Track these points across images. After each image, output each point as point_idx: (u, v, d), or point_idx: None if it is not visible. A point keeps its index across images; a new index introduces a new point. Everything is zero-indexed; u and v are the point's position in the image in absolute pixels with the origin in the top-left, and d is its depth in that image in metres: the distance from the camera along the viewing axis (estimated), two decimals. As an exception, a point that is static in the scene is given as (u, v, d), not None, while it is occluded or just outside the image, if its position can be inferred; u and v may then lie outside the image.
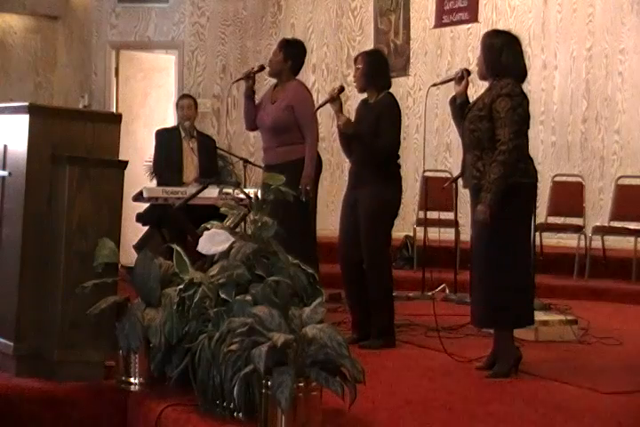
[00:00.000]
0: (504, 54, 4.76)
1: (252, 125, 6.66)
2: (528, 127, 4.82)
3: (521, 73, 4.83)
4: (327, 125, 10.50)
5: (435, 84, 5.09)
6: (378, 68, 5.66)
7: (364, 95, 5.78)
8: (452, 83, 5.02)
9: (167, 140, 7.52)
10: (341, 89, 5.69)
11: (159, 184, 7.36)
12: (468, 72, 4.95)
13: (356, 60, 5.75)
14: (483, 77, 4.87)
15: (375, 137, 5.50)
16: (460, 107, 4.88)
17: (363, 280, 5.55)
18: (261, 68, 6.58)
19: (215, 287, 3.98)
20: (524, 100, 4.72)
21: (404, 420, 3.87)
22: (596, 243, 8.31)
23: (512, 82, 4.72)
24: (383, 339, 5.48)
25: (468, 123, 4.78)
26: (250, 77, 6.52)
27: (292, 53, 6.49)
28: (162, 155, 7.53)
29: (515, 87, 4.71)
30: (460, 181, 6.45)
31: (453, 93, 4.98)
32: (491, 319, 4.85)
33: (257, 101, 6.58)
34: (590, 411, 4.07)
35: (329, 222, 9.29)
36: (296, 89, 6.48)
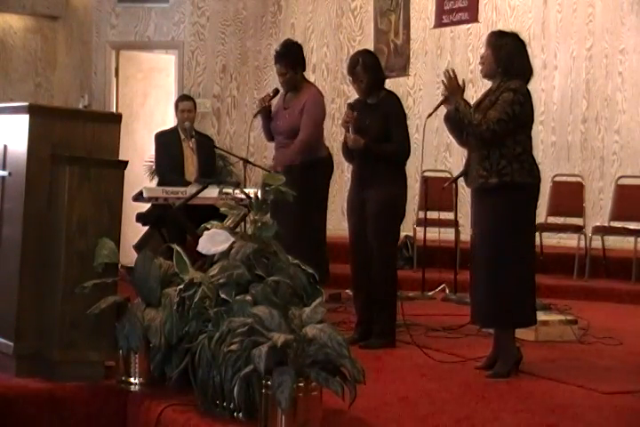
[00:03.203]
0: (517, 56, 4.83)
1: (272, 138, 6.67)
2: (530, 129, 4.86)
3: (529, 75, 4.89)
4: (327, 126, 10.46)
5: (430, 115, 5.08)
6: (377, 75, 5.64)
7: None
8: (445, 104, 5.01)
9: (167, 142, 7.52)
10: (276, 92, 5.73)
11: (162, 185, 7.35)
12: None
13: (352, 73, 5.64)
14: (489, 76, 4.89)
15: (384, 139, 5.50)
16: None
17: (370, 282, 5.56)
18: (276, 92, 6.55)
19: (215, 287, 3.98)
20: (527, 100, 4.76)
21: (404, 420, 3.87)
22: (596, 243, 8.30)
23: (522, 83, 4.79)
24: (383, 339, 5.48)
25: None
26: (268, 106, 6.50)
27: (292, 61, 6.44)
28: (163, 157, 7.53)
29: (522, 87, 4.78)
30: (460, 181, 6.45)
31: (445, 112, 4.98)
32: (493, 319, 4.85)
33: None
34: (590, 411, 4.07)
35: (329, 222, 9.28)
36: (313, 94, 6.47)
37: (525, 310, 4.84)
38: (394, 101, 5.64)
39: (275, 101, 6.63)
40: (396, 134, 5.53)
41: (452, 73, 4.83)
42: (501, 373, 4.70)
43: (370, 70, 5.59)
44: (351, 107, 5.66)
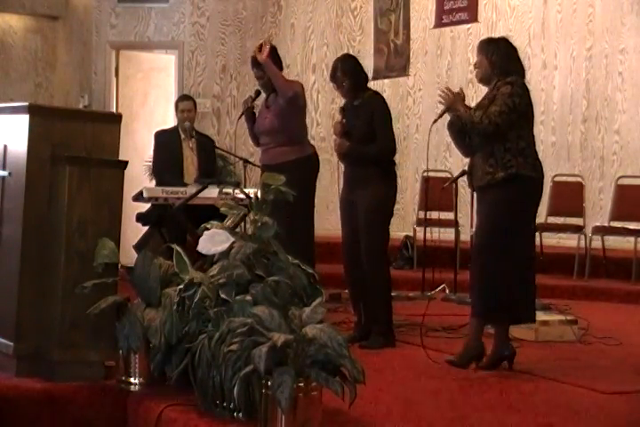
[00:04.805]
0: (510, 58, 4.90)
1: (258, 143, 6.65)
2: (532, 123, 4.92)
3: (523, 75, 4.95)
4: (327, 125, 10.49)
5: (435, 121, 5.10)
6: (356, 78, 5.68)
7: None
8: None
9: (167, 142, 7.52)
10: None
11: (159, 185, 7.34)
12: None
13: (334, 79, 5.73)
14: (485, 80, 4.95)
15: (371, 139, 5.53)
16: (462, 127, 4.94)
17: (364, 280, 5.57)
18: (258, 94, 6.54)
19: (215, 287, 3.98)
20: (524, 92, 4.82)
21: (404, 420, 3.87)
22: (596, 243, 8.31)
23: (517, 77, 4.86)
24: (383, 339, 5.49)
25: None
26: (251, 107, 6.50)
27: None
28: (162, 156, 7.53)
29: (518, 80, 4.84)
30: (460, 181, 6.46)
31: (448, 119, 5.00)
32: (487, 315, 4.87)
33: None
34: (590, 411, 4.07)
35: (328, 222, 9.30)
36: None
37: (520, 306, 4.85)
38: (377, 101, 5.68)
39: (260, 104, 6.63)
40: (380, 135, 5.56)
41: (447, 91, 4.88)
42: (486, 366, 4.77)
43: (348, 75, 5.66)
44: (341, 111, 5.73)
